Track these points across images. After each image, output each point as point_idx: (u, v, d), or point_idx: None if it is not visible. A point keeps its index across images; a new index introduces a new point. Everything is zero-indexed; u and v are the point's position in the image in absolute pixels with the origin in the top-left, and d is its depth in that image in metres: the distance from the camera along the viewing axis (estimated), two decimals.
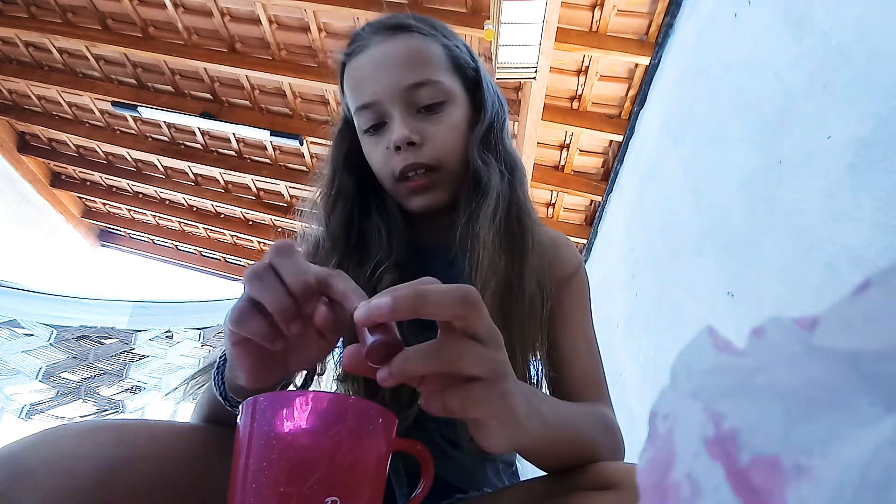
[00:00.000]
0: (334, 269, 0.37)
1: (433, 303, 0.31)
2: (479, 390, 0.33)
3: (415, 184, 0.61)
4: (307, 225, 0.70)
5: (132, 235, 5.24)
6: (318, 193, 0.69)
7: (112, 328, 3.50)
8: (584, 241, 3.10)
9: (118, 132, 3.94)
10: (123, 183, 4.42)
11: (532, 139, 2.54)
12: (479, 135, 0.64)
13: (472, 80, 0.67)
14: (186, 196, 4.29)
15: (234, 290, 5.00)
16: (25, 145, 4.38)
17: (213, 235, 4.83)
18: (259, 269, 0.35)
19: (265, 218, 4.30)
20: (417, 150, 0.60)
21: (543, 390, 0.59)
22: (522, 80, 2.26)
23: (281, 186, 3.87)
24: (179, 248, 5.12)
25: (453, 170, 0.63)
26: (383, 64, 0.61)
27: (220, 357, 0.45)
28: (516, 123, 2.63)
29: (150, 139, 3.89)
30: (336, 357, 0.64)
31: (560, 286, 0.63)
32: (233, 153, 3.77)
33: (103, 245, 5.40)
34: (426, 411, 0.33)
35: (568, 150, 2.84)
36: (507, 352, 0.53)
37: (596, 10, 2.20)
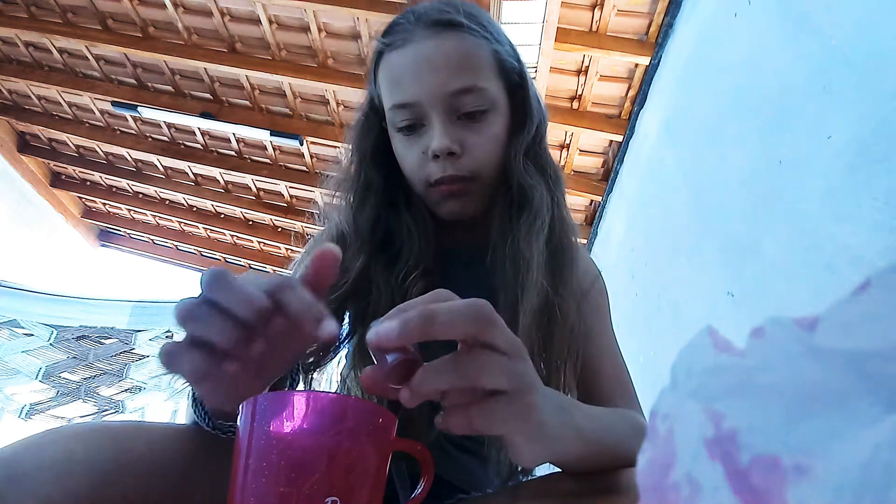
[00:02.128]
0: (280, 278, 0.34)
1: (443, 323, 0.30)
2: (504, 406, 0.31)
3: (447, 188, 0.58)
4: (327, 214, 0.66)
5: (132, 235, 5.24)
6: (340, 183, 0.65)
7: (112, 328, 3.49)
8: (584, 241, 3.10)
9: (118, 132, 3.94)
10: (123, 183, 4.42)
11: None
12: (525, 145, 0.60)
13: (516, 85, 0.62)
14: (186, 196, 4.29)
15: None
16: (25, 145, 4.38)
17: (213, 235, 4.83)
18: (193, 307, 0.32)
19: (265, 218, 4.29)
20: (456, 160, 0.57)
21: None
22: None
23: (281, 186, 3.86)
24: (179, 248, 5.12)
25: (489, 180, 0.60)
26: (428, 64, 0.56)
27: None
28: None
29: (150, 139, 3.89)
30: (349, 349, 0.63)
31: (582, 298, 0.61)
32: (233, 153, 3.77)
33: (103, 245, 5.40)
34: (444, 431, 0.32)
35: (568, 150, 2.84)
36: (544, 372, 0.52)
37: (596, 10, 2.20)
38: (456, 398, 0.32)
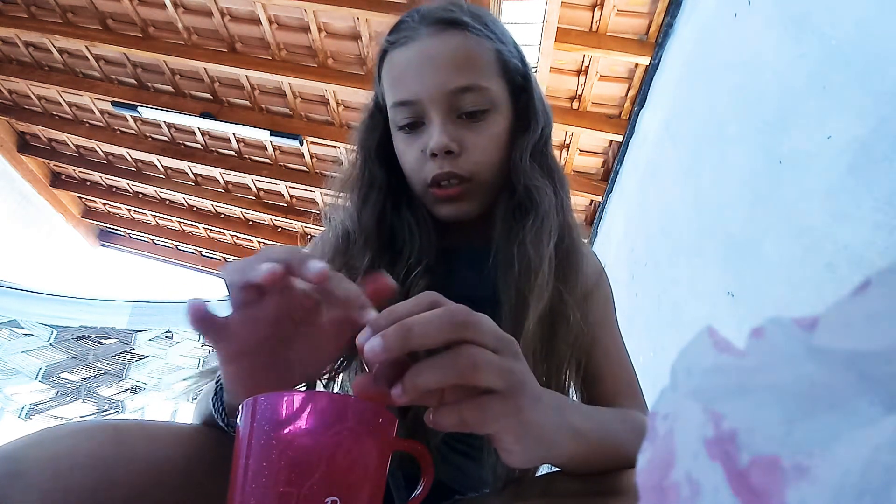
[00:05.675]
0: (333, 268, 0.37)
1: (420, 334, 0.30)
2: (497, 404, 0.31)
3: (445, 192, 0.58)
4: (331, 213, 0.66)
5: (132, 235, 5.24)
6: (345, 180, 0.65)
7: (112, 328, 3.49)
8: (584, 241, 3.10)
9: (118, 132, 3.94)
10: (123, 183, 4.42)
11: None
12: (529, 147, 0.60)
13: (519, 87, 0.62)
14: (186, 196, 4.29)
15: None
16: (25, 145, 4.38)
17: (213, 235, 4.83)
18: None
19: (265, 218, 4.29)
20: (454, 159, 0.57)
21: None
22: None
23: (281, 186, 3.87)
24: (179, 248, 5.12)
25: (488, 181, 0.59)
26: (430, 62, 0.56)
27: (217, 383, 0.44)
28: None
29: (150, 139, 3.89)
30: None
31: (586, 297, 0.60)
32: (233, 153, 3.77)
33: (103, 245, 5.40)
34: (435, 427, 0.32)
35: (568, 150, 2.84)
36: (545, 374, 0.51)
37: (596, 10, 2.20)
38: (448, 396, 0.32)
